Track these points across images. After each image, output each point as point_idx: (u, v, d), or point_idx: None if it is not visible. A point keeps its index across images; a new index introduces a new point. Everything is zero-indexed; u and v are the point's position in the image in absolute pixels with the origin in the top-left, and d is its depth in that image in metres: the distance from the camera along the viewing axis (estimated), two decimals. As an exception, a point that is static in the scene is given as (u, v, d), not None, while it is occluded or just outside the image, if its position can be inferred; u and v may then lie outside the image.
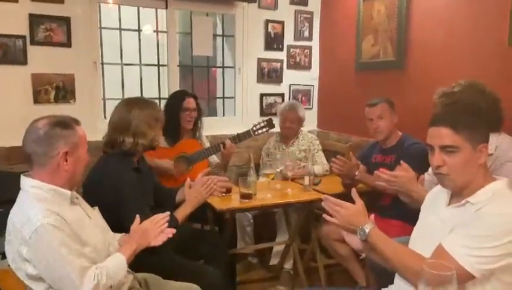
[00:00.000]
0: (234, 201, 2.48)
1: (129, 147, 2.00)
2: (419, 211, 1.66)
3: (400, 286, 1.50)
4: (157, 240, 1.65)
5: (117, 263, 1.51)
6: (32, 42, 2.96)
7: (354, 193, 1.59)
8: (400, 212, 2.34)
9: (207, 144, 3.10)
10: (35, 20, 2.94)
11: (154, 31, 3.69)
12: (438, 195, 1.54)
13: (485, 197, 1.33)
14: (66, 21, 3.04)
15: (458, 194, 1.43)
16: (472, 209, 1.33)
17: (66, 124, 1.49)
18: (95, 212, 1.65)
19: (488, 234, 1.25)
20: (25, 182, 1.48)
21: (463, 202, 1.37)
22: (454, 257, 1.26)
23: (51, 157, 1.46)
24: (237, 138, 2.92)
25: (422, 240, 1.49)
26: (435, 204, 1.53)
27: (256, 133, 2.95)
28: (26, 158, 1.48)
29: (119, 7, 3.42)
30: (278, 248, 3.11)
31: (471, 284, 1.28)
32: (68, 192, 1.51)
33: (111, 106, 3.38)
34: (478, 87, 1.90)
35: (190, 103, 2.95)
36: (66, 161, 1.47)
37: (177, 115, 2.90)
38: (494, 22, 2.42)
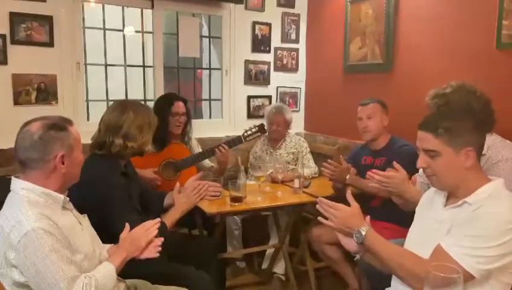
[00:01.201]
0: (224, 204, 2.43)
1: (118, 149, 1.95)
2: (410, 213, 1.65)
3: (397, 288, 1.49)
4: (151, 252, 1.60)
5: (106, 272, 1.45)
6: (13, 41, 2.84)
7: (349, 195, 1.57)
8: (391, 215, 2.34)
9: (197, 148, 3.04)
10: (16, 18, 2.83)
11: (136, 32, 3.62)
12: (433, 197, 1.54)
13: (482, 197, 1.33)
14: (48, 20, 2.94)
15: (452, 194, 1.43)
16: (469, 210, 1.33)
17: (60, 126, 1.44)
18: (85, 220, 1.60)
19: (486, 234, 1.26)
20: (16, 184, 1.42)
21: (460, 202, 1.37)
22: (453, 258, 1.26)
23: (48, 161, 1.41)
24: (227, 145, 2.83)
25: (419, 241, 1.48)
26: (430, 206, 1.53)
27: (247, 139, 2.88)
28: (19, 163, 1.42)
29: (103, 7, 3.34)
30: (270, 250, 3.07)
31: (471, 284, 1.27)
32: (61, 196, 1.45)
33: (94, 108, 3.34)
34: (469, 88, 1.91)
35: (179, 107, 2.86)
36: (63, 163, 1.43)
37: (166, 120, 2.78)
38: (483, 25, 2.44)
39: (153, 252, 1.60)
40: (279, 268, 3.02)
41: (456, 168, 1.37)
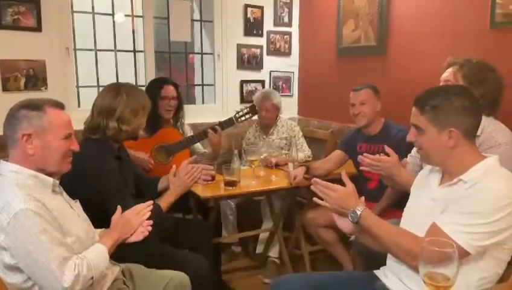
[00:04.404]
0: (218, 189, 2.42)
1: (112, 133, 1.92)
2: (406, 195, 1.65)
3: (392, 266, 1.50)
4: (138, 236, 1.59)
5: (98, 253, 1.44)
6: (0, 26, 2.78)
7: (344, 175, 1.56)
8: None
9: (189, 134, 2.99)
10: (2, 2, 2.76)
11: (126, 15, 3.55)
12: (428, 175, 1.54)
13: (477, 174, 1.33)
14: (35, 4, 2.87)
15: (446, 172, 1.44)
16: (465, 187, 1.33)
17: (35, 105, 1.42)
18: (77, 205, 1.58)
19: (481, 211, 1.26)
20: (4, 167, 1.41)
21: (455, 180, 1.37)
22: (448, 235, 1.26)
23: (16, 139, 1.40)
24: (220, 127, 2.81)
25: (414, 220, 1.49)
26: (426, 184, 1.53)
27: (239, 120, 2.84)
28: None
29: (92, -10, 3.27)
30: (264, 235, 3.07)
31: (465, 261, 1.28)
32: (50, 179, 1.43)
33: (85, 95, 3.29)
34: (490, 65, 1.90)
35: (169, 90, 2.82)
36: (31, 143, 1.39)
37: (155, 103, 2.72)
38: (476, 5, 2.42)
39: (139, 236, 1.59)
40: (274, 252, 3.03)
41: (439, 147, 1.37)
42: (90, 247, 1.45)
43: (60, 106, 1.48)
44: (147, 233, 1.62)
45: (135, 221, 1.60)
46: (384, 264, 1.58)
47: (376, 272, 1.61)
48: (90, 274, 1.36)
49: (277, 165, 2.86)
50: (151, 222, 1.65)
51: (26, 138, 1.39)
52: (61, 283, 1.28)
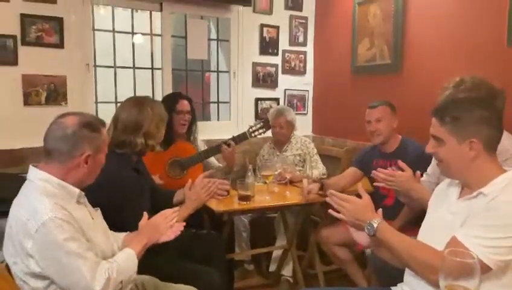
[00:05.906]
0: (232, 203, 2.41)
1: (140, 149, 1.95)
2: (423, 212, 1.62)
3: (410, 283, 1.46)
4: (169, 235, 1.61)
5: (127, 258, 1.46)
6: (24, 42, 2.88)
7: (360, 188, 1.55)
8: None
9: (203, 149, 3.02)
10: (27, 19, 2.87)
11: (143, 34, 3.64)
12: (447, 189, 1.51)
13: (498, 187, 1.30)
14: (58, 22, 2.98)
15: (466, 185, 1.41)
16: (485, 200, 1.30)
17: (95, 126, 1.46)
18: (98, 214, 1.60)
19: (502, 224, 1.22)
20: (34, 173, 1.42)
21: (475, 193, 1.34)
22: (469, 249, 1.22)
23: (73, 157, 1.41)
24: (233, 141, 2.82)
25: (432, 234, 1.45)
26: (444, 198, 1.50)
27: (252, 134, 2.86)
28: (45, 152, 1.43)
29: (112, 9, 3.37)
30: (277, 252, 3.03)
31: (486, 277, 1.23)
32: (76, 190, 1.45)
33: (103, 110, 3.35)
34: (480, 88, 1.89)
35: (184, 105, 2.87)
36: (87, 163, 1.43)
37: (170, 118, 2.76)
38: (493, 23, 2.42)
39: (171, 235, 1.61)
40: (287, 271, 2.98)
41: (460, 158, 1.35)
42: (120, 252, 1.48)
43: (105, 124, 1.54)
44: (179, 232, 1.64)
45: (163, 226, 1.62)
46: (402, 280, 1.54)
47: (393, 288, 1.57)
48: (120, 278, 1.37)
49: (291, 182, 2.84)
50: (184, 223, 1.69)
51: (86, 158, 1.42)
52: (92, 287, 1.29)
